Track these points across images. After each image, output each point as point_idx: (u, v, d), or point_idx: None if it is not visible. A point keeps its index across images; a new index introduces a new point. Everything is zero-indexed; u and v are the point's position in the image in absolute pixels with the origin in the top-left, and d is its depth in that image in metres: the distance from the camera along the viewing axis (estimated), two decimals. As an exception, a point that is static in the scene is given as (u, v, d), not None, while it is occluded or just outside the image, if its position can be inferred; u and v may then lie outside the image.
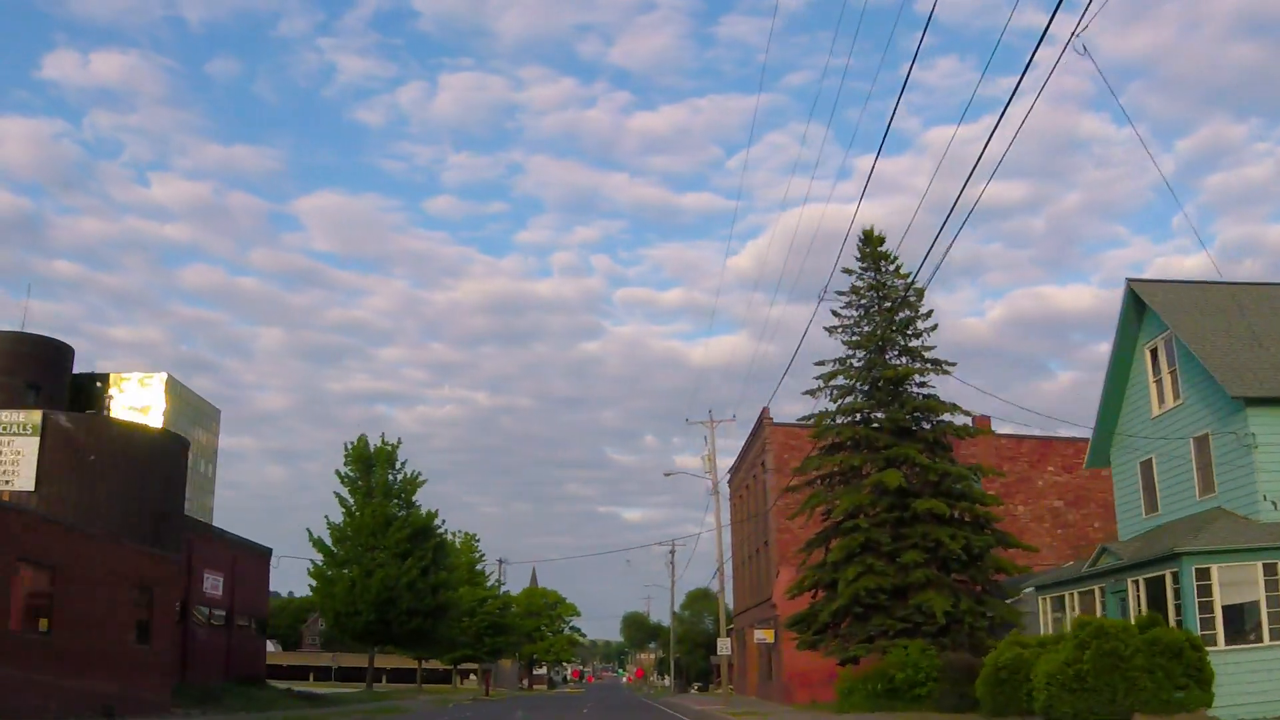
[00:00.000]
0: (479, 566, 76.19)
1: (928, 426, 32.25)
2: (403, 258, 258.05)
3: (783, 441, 45.64)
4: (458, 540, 70.54)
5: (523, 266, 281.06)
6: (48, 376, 35.66)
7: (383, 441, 53.50)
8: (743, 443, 55.96)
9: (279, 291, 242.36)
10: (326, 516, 52.32)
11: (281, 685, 49.59)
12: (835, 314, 33.19)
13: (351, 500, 52.47)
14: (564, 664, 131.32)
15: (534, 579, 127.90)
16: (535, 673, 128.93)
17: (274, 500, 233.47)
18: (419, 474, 54.70)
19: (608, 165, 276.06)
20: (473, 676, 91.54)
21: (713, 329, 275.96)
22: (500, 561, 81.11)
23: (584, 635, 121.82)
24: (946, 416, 32.27)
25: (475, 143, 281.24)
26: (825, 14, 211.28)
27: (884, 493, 30.69)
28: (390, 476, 53.06)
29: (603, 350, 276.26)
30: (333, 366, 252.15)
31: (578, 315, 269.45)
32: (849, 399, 32.77)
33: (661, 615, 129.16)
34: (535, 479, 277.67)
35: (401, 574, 49.94)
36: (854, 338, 32.94)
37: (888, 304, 32.79)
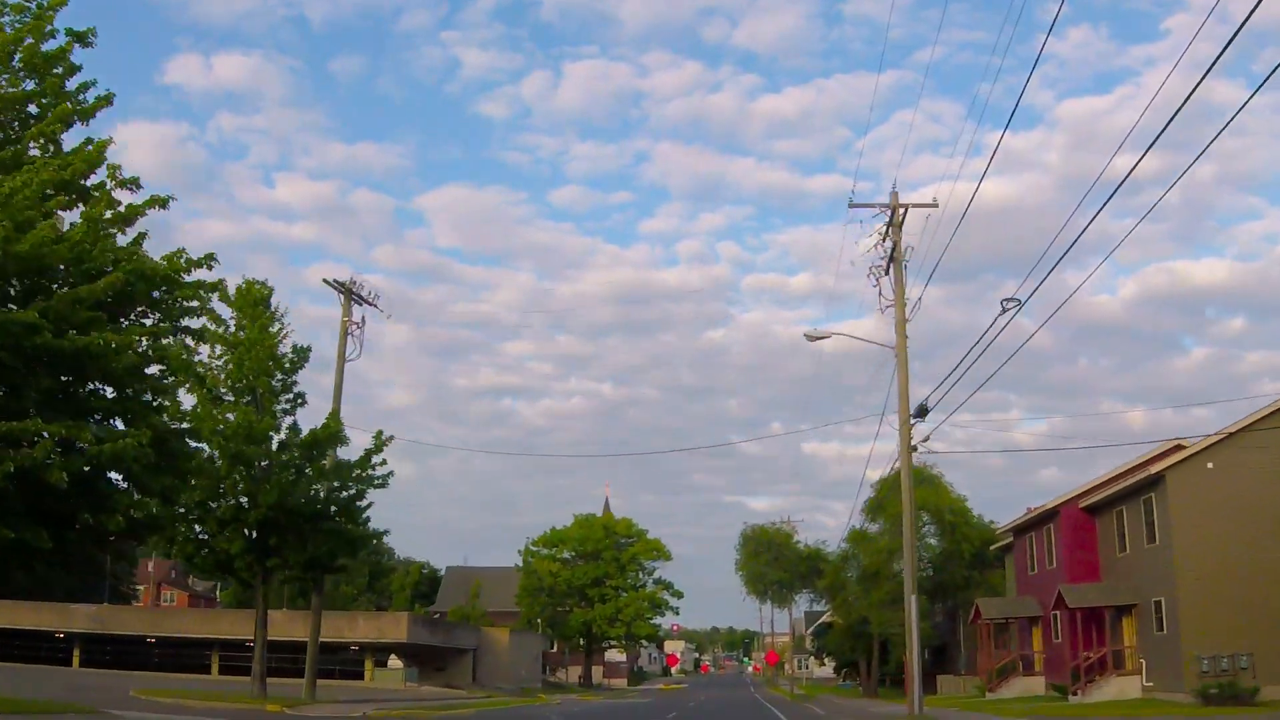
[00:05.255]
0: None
1: None
2: (528, 250, 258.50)
3: None
4: None
5: (649, 256, 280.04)
6: None
7: None
8: None
9: (404, 288, 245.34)
10: None
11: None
12: None
13: None
14: (643, 642, 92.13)
15: (606, 506, 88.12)
16: (609, 659, 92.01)
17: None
18: None
19: (734, 150, 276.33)
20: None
21: (842, 313, 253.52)
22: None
23: (679, 593, 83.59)
24: None
25: (600, 132, 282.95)
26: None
27: None
28: None
29: (728, 338, 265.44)
30: (459, 362, 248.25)
31: (704, 303, 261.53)
32: None
33: (823, 533, 62.92)
34: (662, 470, 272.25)
35: None
36: None
37: None
